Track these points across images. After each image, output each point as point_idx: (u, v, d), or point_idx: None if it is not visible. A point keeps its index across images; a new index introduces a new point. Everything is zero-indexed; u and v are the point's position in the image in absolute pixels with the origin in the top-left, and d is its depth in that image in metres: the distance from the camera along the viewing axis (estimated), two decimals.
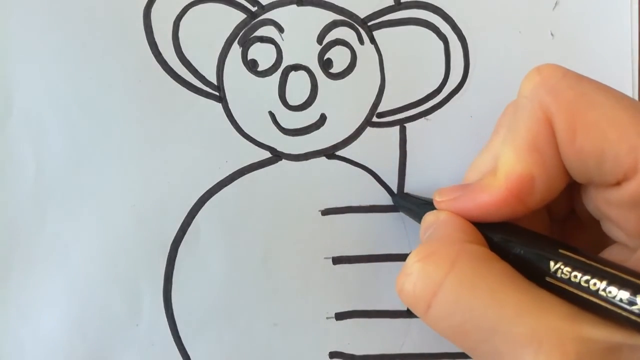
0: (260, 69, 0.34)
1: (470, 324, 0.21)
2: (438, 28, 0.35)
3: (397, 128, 0.35)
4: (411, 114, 0.35)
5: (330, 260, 0.35)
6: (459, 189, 0.27)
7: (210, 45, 0.34)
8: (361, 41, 0.34)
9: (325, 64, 0.34)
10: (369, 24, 0.34)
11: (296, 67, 0.34)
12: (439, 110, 0.35)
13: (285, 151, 0.35)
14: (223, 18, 0.34)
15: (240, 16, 0.34)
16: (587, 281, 0.21)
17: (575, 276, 0.21)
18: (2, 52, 0.33)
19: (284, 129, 0.35)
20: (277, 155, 0.35)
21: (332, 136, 0.35)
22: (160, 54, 0.34)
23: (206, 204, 0.34)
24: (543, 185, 0.24)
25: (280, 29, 0.34)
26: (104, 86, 0.34)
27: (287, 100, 0.34)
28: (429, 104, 0.35)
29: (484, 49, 0.35)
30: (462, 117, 0.35)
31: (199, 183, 0.34)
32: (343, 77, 0.35)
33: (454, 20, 0.35)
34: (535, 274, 0.23)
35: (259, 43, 0.34)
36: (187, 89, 0.34)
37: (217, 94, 0.34)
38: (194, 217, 0.34)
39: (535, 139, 0.24)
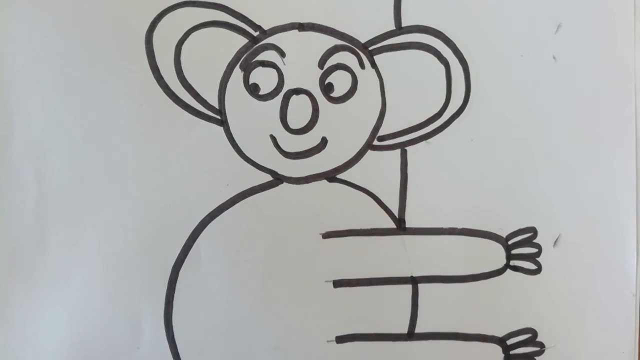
0: (261, 92, 0.34)
1: None
2: (439, 52, 0.35)
3: (398, 151, 0.35)
4: (412, 137, 0.35)
5: (331, 283, 0.35)
6: None
7: (212, 69, 0.34)
8: (362, 65, 0.34)
9: (327, 88, 0.34)
10: (370, 48, 0.34)
11: (297, 91, 0.34)
12: (440, 134, 0.35)
13: (286, 174, 0.35)
14: (225, 42, 0.34)
15: (242, 41, 0.34)
16: None
17: None
18: (4, 76, 0.33)
19: (285, 152, 0.35)
20: (278, 179, 0.35)
21: (333, 159, 0.35)
22: (162, 78, 0.34)
23: (207, 227, 0.34)
24: None
25: (282, 54, 0.34)
26: (106, 110, 0.34)
27: (289, 124, 0.34)
28: (430, 127, 0.35)
29: (485, 72, 0.35)
30: (463, 141, 0.35)
31: (200, 206, 0.34)
32: (344, 101, 0.35)
33: (455, 44, 0.35)
34: None
35: (260, 67, 0.34)
36: (189, 112, 0.34)
37: (219, 117, 0.34)
38: (195, 240, 0.34)
39: None
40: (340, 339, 0.35)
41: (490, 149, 0.35)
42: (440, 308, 0.35)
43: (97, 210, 0.34)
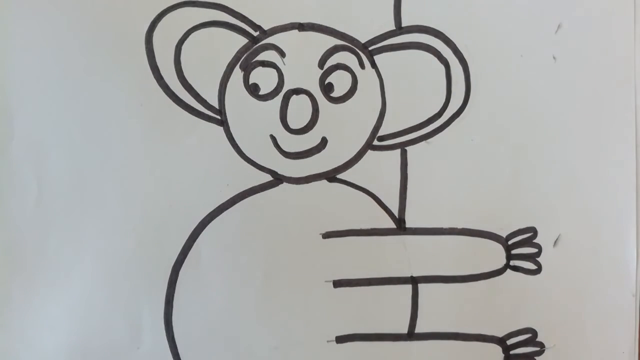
0: (261, 92, 0.34)
1: None
2: (439, 52, 0.35)
3: (398, 151, 0.35)
4: (412, 137, 0.35)
5: (331, 283, 0.35)
6: None
7: (212, 69, 0.34)
8: (362, 65, 0.34)
9: (327, 88, 0.34)
10: (370, 48, 0.34)
11: (297, 91, 0.34)
12: (440, 134, 0.35)
13: (287, 174, 0.35)
14: (225, 42, 0.34)
15: (242, 41, 0.34)
16: None
17: None
18: (4, 77, 0.33)
19: (285, 152, 0.35)
20: (278, 179, 0.35)
21: (333, 159, 0.35)
22: (162, 78, 0.34)
23: (207, 227, 0.34)
24: None
25: (282, 54, 0.34)
26: (106, 110, 0.34)
27: (289, 124, 0.34)
28: (430, 127, 0.35)
29: (485, 72, 0.35)
30: (463, 141, 0.35)
31: (200, 206, 0.34)
32: (344, 101, 0.35)
33: (455, 44, 0.35)
34: None
35: (260, 67, 0.34)
36: (189, 112, 0.34)
37: (219, 117, 0.34)
38: (195, 240, 0.34)
39: None
40: (340, 339, 0.35)
41: (490, 149, 0.35)
42: (440, 308, 0.35)
43: (97, 210, 0.34)
